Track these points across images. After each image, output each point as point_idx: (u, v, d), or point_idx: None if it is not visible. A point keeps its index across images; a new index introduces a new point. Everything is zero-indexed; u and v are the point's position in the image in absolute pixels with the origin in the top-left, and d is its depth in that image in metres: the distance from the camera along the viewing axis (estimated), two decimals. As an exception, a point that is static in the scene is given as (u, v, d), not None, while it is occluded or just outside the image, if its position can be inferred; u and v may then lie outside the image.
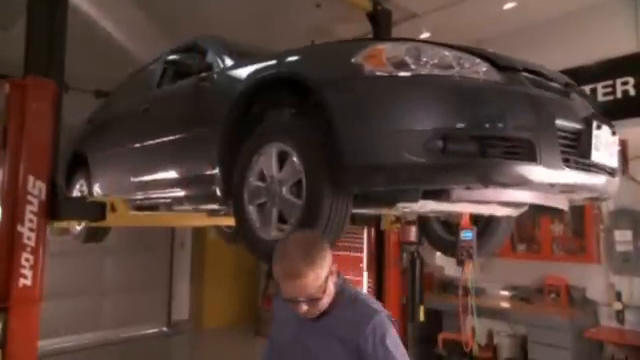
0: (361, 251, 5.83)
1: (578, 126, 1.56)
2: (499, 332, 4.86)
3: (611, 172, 1.75)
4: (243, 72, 2.10)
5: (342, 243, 6.03)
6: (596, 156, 1.59)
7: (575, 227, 4.59)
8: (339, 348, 1.47)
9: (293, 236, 1.54)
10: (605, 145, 1.66)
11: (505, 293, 4.93)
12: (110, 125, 3.30)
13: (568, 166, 1.50)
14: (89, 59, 4.83)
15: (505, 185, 1.46)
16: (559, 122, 1.49)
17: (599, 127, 1.62)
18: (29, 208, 2.08)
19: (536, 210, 2.30)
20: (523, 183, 1.44)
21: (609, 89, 4.31)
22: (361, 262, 5.82)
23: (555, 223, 4.65)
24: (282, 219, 1.80)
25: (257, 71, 1.98)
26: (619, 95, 4.25)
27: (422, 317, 4.04)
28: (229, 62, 2.35)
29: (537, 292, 4.70)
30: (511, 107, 1.44)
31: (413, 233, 4.04)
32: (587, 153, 1.56)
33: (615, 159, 1.77)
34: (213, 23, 4.21)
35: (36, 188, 2.11)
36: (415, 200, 1.53)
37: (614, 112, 3.67)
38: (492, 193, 1.60)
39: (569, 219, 4.62)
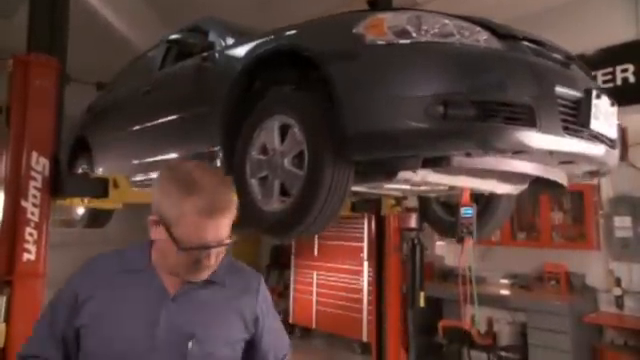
0: (361, 241, 5.86)
1: (578, 94, 1.58)
2: (499, 320, 4.88)
3: (611, 143, 1.76)
4: (244, 49, 2.11)
5: (342, 233, 6.07)
6: (595, 125, 1.60)
7: (575, 214, 4.60)
8: (237, 321, 1.20)
9: (192, 164, 1.16)
10: (605, 115, 1.67)
11: (505, 281, 4.94)
12: (112, 109, 3.32)
13: (568, 133, 1.51)
14: (90, 51, 4.84)
15: (504, 151, 1.47)
16: (559, 89, 1.51)
17: (598, 97, 1.63)
18: (33, 184, 2.11)
19: (536, 188, 2.32)
20: (522, 149, 1.45)
21: (609, 76, 4.32)
22: (361, 252, 5.85)
23: (555, 211, 4.67)
24: (283, 192, 1.82)
25: (257, 46, 1.99)
26: (619, 82, 4.26)
27: (422, 303, 4.05)
28: (231, 41, 2.37)
29: (537, 280, 4.72)
30: (511, 73, 1.45)
31: (413, 219, 4.05)
32: (586, 121, 1.57)
33: (614, 130, 1.78)
34: (213, 11, 4.21)
35: (40, 164, 2.13)
36: (416, 167, 1.54)
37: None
38: (492, 161, 1.61)
39: (569, 206, 4.64)
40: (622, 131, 4.05)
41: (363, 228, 5.82)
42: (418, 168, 1.56)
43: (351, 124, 1.53)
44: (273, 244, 7.70)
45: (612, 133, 1.74)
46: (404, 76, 1.46)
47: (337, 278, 6.15)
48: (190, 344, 1.10)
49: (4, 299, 1.99)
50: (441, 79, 1.43)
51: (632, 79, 4.24)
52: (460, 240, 2.24)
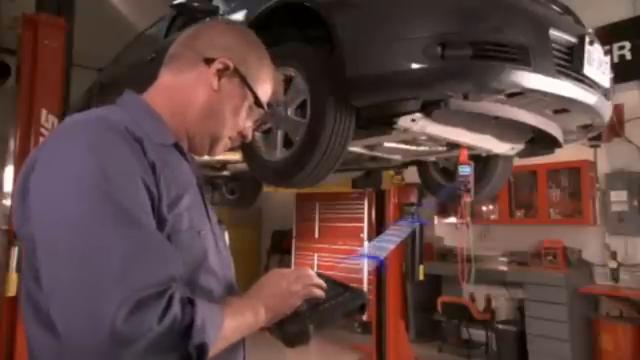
0: (361, 222, 5.93)
1: (571, 39, 1.63)
2: (497, 297, 4.97)
3: (604, 93, 1.81)
4: (244, 12, 2.16)
5: (343, 214, 6.14)
6: (588, 70, 1.66)
7: (572, 191, 4.67)
8: None
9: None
10: (598, 62, 1.73)
11: (503, 259, 5.02)
12: (117, 79, 3.36)
13: (561, 76, 1.57)
14: (94, 36, 4.89)
15: (500, 91, 1.53)
16: (553, 32, 1.56)
17: (592, 43, 1.69)
18: (42, 141, 2.16)
19: (530, 148, 2.38)
20: (517, 89, 1.51)
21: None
22: (361, 232, 5.92)
23: (552, 188, 4.73)
24: (286, 144, 1.88)
25: (258, 3, 2.04)
26: (616, 59, 4.32)
27: (422, 276, 4.12)
28: (233, 5, 2.42)
29: (535, 257, 4.78)
30: (506, 14, 1.51)
31: (413, 194, 4.12)
32: (580, 66, 1.62)
33: (607, 80, 1.83)
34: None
35: (49, 122, 2.18)
36: (415, 108, 1.60)
37: (611, 75, 3.79)
38: (488, 106, 1.67)
39: (566, 183, 4.71)
40: (618, 107, 4.14)
41: (363, 209, 5.89)
42: (417, 110, 1.61)
43: (353, 68, 1.58)
44: (274, 229, 7.77)
45: (605, 82, 1.80)
46: (403, 18, 1.52)
47: (338, 259, 6.22)
48: (226, 232, 0.95)
49: (16, 250, 2.05)
50: (439, 20, 1.49)
51: (629, 56, 4.31)
52: (458, 197, 2.30)
